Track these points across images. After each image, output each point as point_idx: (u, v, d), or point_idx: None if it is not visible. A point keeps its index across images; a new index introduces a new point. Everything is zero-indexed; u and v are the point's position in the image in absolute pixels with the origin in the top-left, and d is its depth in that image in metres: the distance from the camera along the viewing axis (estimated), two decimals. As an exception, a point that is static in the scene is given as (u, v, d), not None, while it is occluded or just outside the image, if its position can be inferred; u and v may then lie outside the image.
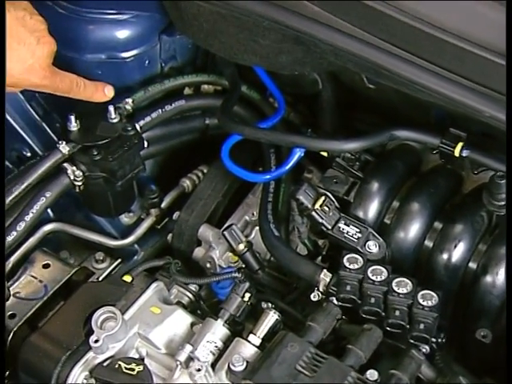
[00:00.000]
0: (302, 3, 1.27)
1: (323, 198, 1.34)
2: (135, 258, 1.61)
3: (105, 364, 1.23)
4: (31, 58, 1.27)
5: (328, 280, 1.31)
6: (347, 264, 1.28)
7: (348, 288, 1.26)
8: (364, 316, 1.25)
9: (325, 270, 1.32)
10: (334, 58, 1.29)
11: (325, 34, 1.24)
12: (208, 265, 1.50)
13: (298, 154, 1.41)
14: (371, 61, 1.22)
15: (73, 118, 1.42)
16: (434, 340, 1.21)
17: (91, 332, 1.24)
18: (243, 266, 1.44)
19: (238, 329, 1.32)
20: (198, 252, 1.52)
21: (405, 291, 1.24)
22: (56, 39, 1.32)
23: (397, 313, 1.23)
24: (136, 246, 1.60)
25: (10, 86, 1.29)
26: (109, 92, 1.42)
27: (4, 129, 1.36)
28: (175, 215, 1.55)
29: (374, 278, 1.26)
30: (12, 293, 1.40)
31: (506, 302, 1.25)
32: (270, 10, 1.29)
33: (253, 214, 1.52)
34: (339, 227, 1.33)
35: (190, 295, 1.39)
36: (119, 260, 1.55)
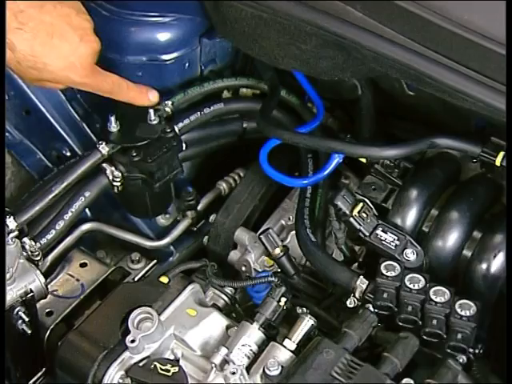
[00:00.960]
0: (345, 9, 1.27)
1: (361, 204, 1.33)
2: (170, 259, 1.62)
3: (140, 364, 1.24)
4: (72, 55, 1.27)
5: (364, 287, 1.30)
6: (384, 271, 1.28)
7: (385, 295, 1.26)
8: (400, 324, 1.25)
9: (361, 277, 1.31)
10: (376, 65, 1.29)
11: (368, 40, 1.24)
12: (243, 268, 1.50)
13: (336, 159, 1.41)
14: (414, 68, 1.21)
15: (113, 118, 1.43)
16: (471, 350, 1.20)
17: (128, 332, 1.25)
18: (278, 270, 1.44)
19: (273, 333, 1.32)
20: (234, 255, 1.52)
21: (442, 300, 1.24)
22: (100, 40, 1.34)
23: (434, 322, 1.22)
24: (171, 247, 1.61)
25: (49, 81, 1.29)
26: (153, 97, 1.41)
27: (4, 128, 1.36)
28: (211, 218, 1.55)
29: (411, 286, 1.26)
30: (50, 290, 1.41)
31: (506, 302, 1.24)
32: (313, 15, 1.29)
33: (289, 219, 1.52)
34: (377, 234, 1.32)
35: (226, 298, 1.39)
36: (155, 261, 1.55)
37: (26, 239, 1.36)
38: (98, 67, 1.33)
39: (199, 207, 1.60)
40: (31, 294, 1.31)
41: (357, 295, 1.31)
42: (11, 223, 1.35)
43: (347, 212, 1.33)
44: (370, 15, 1.26)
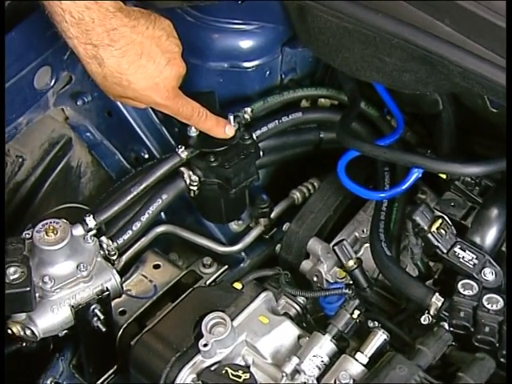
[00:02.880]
0: (433, 23, 1.26)
1: (440, 220, 1.32)
2: (241, 265, 1.62)
3: (212, 368, 1.24)
4: (158, 76, 1.29)
5: (440, 304, 1.28)
6: (461, 290, 1.26)
7: (461, 314, 1.24)
8: (476, 344, 1.23)
9: (437, 294, 1.29)
10: (462, 80, 1.27)
11: (456, 56, 1.23)
12: (315, 278, 1.49)
13: (415, 174, 1.39)
14: (503, 85, 1.19)
15: (193, 123, 1.45)
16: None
17: (200, 336, 1.25)
18: (350, 282, 1.43)
19: (343, 345, 1.31)
20: (306, 265, 1.52)
21: (522, 324, 1.21)
22: (183, 46, 1.34)
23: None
24: (243, 253, 1.62)
25: (132, 99, 1.32)
26: (229, 131, 1.42)
27: (4, 128, 1.38)
28: (285, 226, 1.55)
29: (489, 306, 1.24)
30: (124, 290, 1.43)
31: (506, 302, 1.23)
32: (401, 27, 1.28)
33: (363, 231, 1.51)
34: (455, 252, 1.31)
35: (298, 307, 1.39)
36: (226, 266, 1.56)
37: (103, 238, 1.39)
38: (181, 92, 1.34)
39: (272, 215, 1.60)
40: (107, 292, 1.33)
41: (431, 312, 1.29)
42: (90, 222, 1.37)
43: (425, 228, 1.31)
44: (458, 30, 1.24)
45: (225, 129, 1.42)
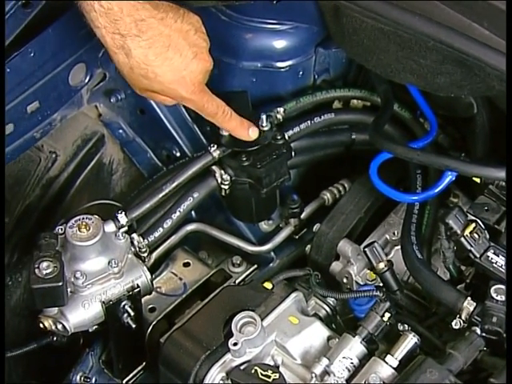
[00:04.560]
0: (471, 25, 1.25)
1: (473, 224, 1.30)
2: (270, 265, 1.62)
3: (241, 367, 1.25)
4: (184, 69, 1.28)
5: (472, 309, 1.27)
6: (494, 295, 1.25)
7: (494, 320, 1.23)
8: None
9: (469, 298, 1.28)
10: (499, 84, 1.26)
11: (494, 59, 1.22)
12: (345, 280, 1.49)
13: (449, 177, 1.39)
14: (541, 89, 1.18)
15: (226, 122, 1.45)
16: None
17: (230, 335, 1.26)
18: (380, 284, 1.43)
19: (373, 348, 1.31)
20: (336, 266, 1.51)
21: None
22: (209, 46, 1.33)
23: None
24: (272, 253, 1.62)
25: (158, 92, 1.31)
26: (253, 133, 1.41)
27: (4, 127, 1.38)
28: (315, 227, 1.55)
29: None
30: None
31: (506, 302, 1.22)
32: (437, 29, 1.27)
33: (394, 234, 1.51)
34: (488, 256, 1.29)
35: (328, 309, 1.39)
36: (255, 265, 1.56)
37: (134, 235, 1.39)
38: (207, 88, 1.34)
39: (302, 216, 1.60)
40: (138, 289, 1.34)
41: (463, 317, 1.28)
42: (122, 219, 1.38)
43: (458, 231, 1.30)
44: (496, 33, 1.24)
45: (248, 131, 1.41)
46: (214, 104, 1.35)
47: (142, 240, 1.40)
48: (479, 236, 1.30)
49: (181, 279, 1.49)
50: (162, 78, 1.28)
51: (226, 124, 1.39)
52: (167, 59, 1.27)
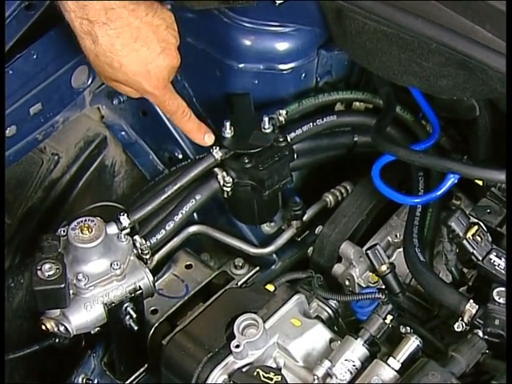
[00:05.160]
0: (473, 28, 1.25)
1: (476, 227, 1.30)
2: (272, 267, 1.62)
3: (244, 370, 1.25)
4: (150, 63, 1.29)
5: (474, 312, 1.27)
6: (497, 297, 1.25)
7: (496, 322, 1.23)
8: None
9: (471, 301, 1.28)
10: (501, 86, 1.26)
11: (497, 62, 1.22)
12: (347, 282, 1.49)
13: (451, 179, 1.38)
14: (544, 92, 1.19)
15: (228, 124, 1.45)
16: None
17: (232, 337, 1.26)
18: (383, 287, 1.43)
19: (375, 350, 1.31)
20: (338, 268, 1.51)
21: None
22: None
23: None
24: (274, 255, 1.62)
25: (122, 83, 1.31)
26: (209, 139, 1.42)
27: (4, 127, 1.39)
28: (317, 229, 1.55)
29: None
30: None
31: (506, 302, 1.22)
32: (440, 32, 1.27)
33: (396, 236, 1.51)
34: (490, 259, 1.29)
35: (330, 311, 1.39)
36: (257, 268, 1.56)
37: (137, 237, 1.39)
38: (171, 85, 1.33)
39: (305, 218, 1.60)
40: (140, 291, 1.34)
41: (465, 319, 1.28)
42: (124, 221, 1.38)
43: (461, 234, 1.30)
44: (498, 36, 1.24)
45: (204, 136, 1.41)
46: (175, 102, 1.35)
47: (144, 242, 1.40)
48: (481, 238, 1.30)
49: (183, 281, 1.49)
50: (126, 69, 1.28)
51: (184, 125, 1.39)
52: (134, 50, 1.27)
